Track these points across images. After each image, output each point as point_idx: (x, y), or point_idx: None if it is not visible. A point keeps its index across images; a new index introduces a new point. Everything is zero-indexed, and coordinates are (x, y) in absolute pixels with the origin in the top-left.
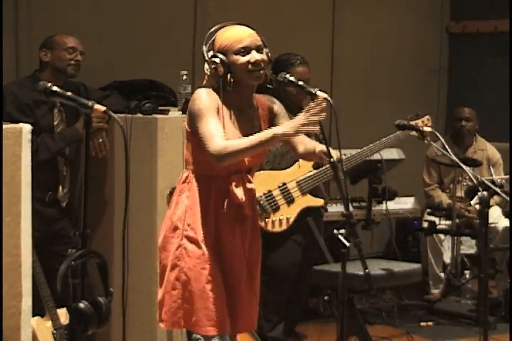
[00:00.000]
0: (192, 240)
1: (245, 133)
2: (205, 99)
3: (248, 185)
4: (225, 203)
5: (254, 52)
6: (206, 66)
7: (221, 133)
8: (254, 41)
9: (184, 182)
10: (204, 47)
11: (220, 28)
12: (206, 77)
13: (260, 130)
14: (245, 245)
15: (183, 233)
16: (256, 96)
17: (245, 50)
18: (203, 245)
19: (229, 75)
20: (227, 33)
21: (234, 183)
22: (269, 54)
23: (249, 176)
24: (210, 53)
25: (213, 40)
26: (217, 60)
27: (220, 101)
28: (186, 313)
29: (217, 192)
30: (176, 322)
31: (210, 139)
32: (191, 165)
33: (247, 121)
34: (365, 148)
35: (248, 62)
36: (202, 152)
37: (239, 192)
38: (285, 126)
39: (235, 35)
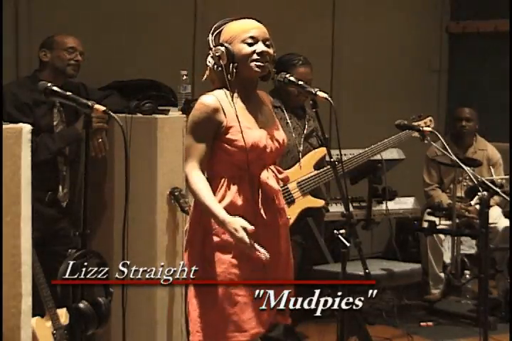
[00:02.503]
0: (218, 246)
1: (260, 125)
2: (200, 114)
3: (280, 175)
4: (259, 199)
5: (261, 43)
6: (209, 58)
7: (197, 157)
8: (262, 33)
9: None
10: (210, 36)
11: (230, 21)
12: (207, 71)
13: (274, 124)
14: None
15: (205, 240)
16: (257, 92)
17: (253, 40)
18: (230, 250)
19: (231, 65)
20: (236, 24)
21: (266, 176)
22: (275, 53)
23: (277, 167)
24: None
25: (220, 31)
26: (223, 49)
27: (226, 97)
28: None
29: (248, 193)
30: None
31: (188, 158)
32: (218, 171)
33: (256, 114)
34: (366, 149)
35: (254, 51)
36: (227, 154)
37: (273, 183)
38: (236, 227)
39: (244, 25)
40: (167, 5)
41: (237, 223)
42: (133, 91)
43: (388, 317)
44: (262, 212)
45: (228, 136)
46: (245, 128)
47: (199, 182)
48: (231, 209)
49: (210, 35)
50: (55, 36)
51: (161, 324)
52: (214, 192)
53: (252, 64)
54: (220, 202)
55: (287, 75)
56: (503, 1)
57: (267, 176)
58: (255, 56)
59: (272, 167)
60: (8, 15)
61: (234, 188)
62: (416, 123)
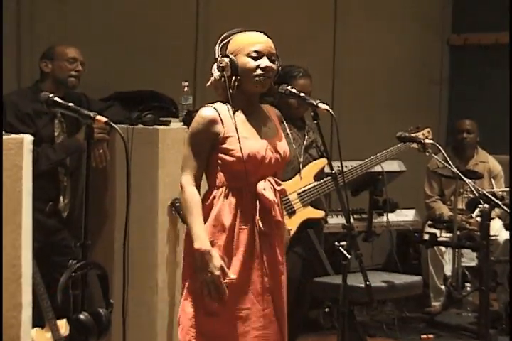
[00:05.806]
0: None
1: (262, 136)
2: (198, 126)
3: (278, 187)
4: (257, 209)
5: (265, 58)
6: (214, 67)
7: (193, 170)
8: (268, 48)
9: (207, 200)
10: (217, 45)
11: (238, 32)
12: (212, 78)
13: (277, 136)
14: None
15: None
16: (263, 106)
17: (257, 54)
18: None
19: (234, 78)
20: (243, 36)
21: (263, 187)
22: (280, 68)
23: (277, 179)
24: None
25: (227, 42)
26: (227, 60)
27: (227, 109)
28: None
29: (247, 203)
30: None
31: (184, 170)
32: (217, 181)
33: (258, 125)
34: (366, 160)
35: (257, 66)
36: (225, 164)
37: (269, 194)
38: (207, 257)
39: (251, 38)
40: (168, 16)
41: (217, 264)
42: (134, 102)
43: (389, 329)
44: (259, 222)
45: (225, 145)
46: (243, 139)
47: (192, 199)
48: (227, 219)
49: (217, 44)
50: (56, 47)
51: (161, 336)
52: (212, 202)
53: (255, 79)
54: (218, 212)
55: (289, 87)
56: (504, 14)
57: (264, 187)
58: (259, 71)
59: (271, 178)
60: (10, 26)
61: (232, 198)
62: (414, 135)
